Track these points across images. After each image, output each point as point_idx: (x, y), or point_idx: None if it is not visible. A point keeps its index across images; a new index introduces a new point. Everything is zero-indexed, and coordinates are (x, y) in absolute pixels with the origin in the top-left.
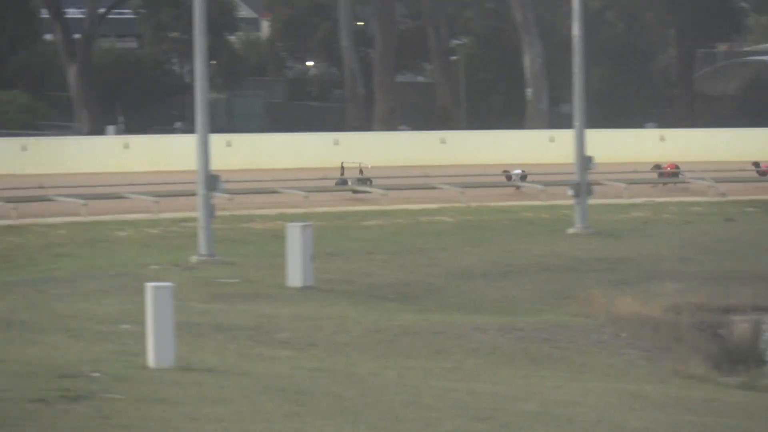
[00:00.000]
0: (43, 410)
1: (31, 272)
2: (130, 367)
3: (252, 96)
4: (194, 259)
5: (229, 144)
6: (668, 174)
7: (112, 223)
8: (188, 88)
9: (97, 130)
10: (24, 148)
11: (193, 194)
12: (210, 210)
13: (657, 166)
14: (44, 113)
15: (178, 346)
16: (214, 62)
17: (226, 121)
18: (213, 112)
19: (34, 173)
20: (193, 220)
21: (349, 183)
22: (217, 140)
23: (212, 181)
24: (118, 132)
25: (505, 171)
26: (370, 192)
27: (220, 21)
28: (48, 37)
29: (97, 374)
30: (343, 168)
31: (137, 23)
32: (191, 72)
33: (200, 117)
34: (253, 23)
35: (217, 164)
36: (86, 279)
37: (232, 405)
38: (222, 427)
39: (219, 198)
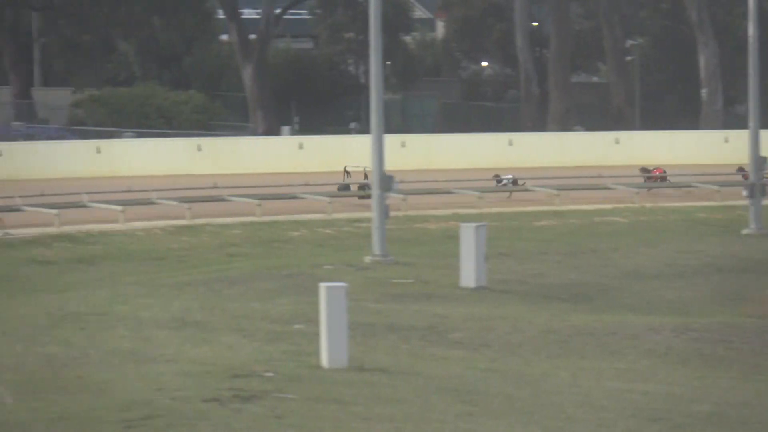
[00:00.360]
0: (216, 409)
1: (205, 272)
2: (304, 367)
3: (427, 96)
4: (368, 259)
5: (403, 144)
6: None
7: (286, 223)
8: (363, 89)
9: (272, 131)
10: (199, 148)
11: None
12: (384, 210)
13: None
14: (219, 113)
15: (352, 346)
16: (389, 63)
17: (400, 122)
18: (388, 113)
19: (209, 173)
20: (367, 220)
21: (352, 188)
22: (391, 141)
23: (387, 181)
24: (293, 132)
25: (495, 176)
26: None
27: (396, 21)
28: (224, 37)
29: (270, 374)
30: (346, 172)
31: (313, 24)
32: (366, 72)
33: (375, 117)
34: (428, 24)
35: (391, 164)
36: (260, 279)
37: (404, 405)
38: (394, 427)
39: (393, 198)
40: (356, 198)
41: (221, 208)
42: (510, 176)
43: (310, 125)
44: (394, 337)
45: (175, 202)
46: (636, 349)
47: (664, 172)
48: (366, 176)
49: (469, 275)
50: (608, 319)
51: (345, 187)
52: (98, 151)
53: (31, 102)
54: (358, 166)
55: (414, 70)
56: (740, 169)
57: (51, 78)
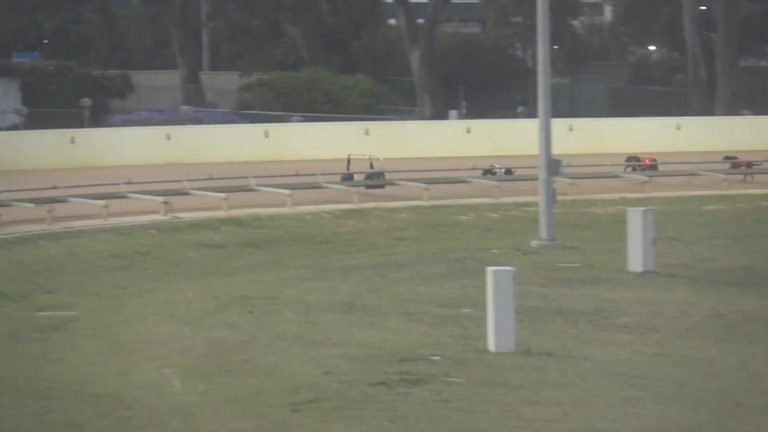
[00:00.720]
0: (383, 393)
1: (372, 256)
2: (471, 351)
3: (594, 80)
4: (535, 243)
5: (571, 128)
6: None
7: (453, 207)
8: (530, 73)
9: (440, 115)
10: (366, 132)
11: (535, 179)
12: (551, 194)
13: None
14: (386, 97)
15: (518, 330)
16: (557, 47)
17: (568, 106)
18: (555, 97)
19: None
20: (534, 204)
21: (356, 178)
22: (558, 125)
23: (554, 165)
24: (460, 116)
25: (491, 166)
26: (383, 187)
27: (564, 6)
28: (391, 21)
29: (437, 358)
30: (349, 161)
31: (480, 8)
32: (534, 56)
33: (542, 101)
34: (597, 8)
35: (558, 148)
36: (427, 263)
37: (571, 389)
38: (561, 411)
39: (560, 182)
40: (364, 187)
41: (388, 193)
42: (502, 168)
43: (478, 109)
44: (560, 321)
45: (342, 186)
46: None
47: (654, 160)
48: (371, 165)
49: (636, 259)
50: None
51: (349, 177)
52: (266, 134)
53: (199, 86)
54: (363, 155)
55: (582, 54)
56: (731, 158)
57: (219, 62)
